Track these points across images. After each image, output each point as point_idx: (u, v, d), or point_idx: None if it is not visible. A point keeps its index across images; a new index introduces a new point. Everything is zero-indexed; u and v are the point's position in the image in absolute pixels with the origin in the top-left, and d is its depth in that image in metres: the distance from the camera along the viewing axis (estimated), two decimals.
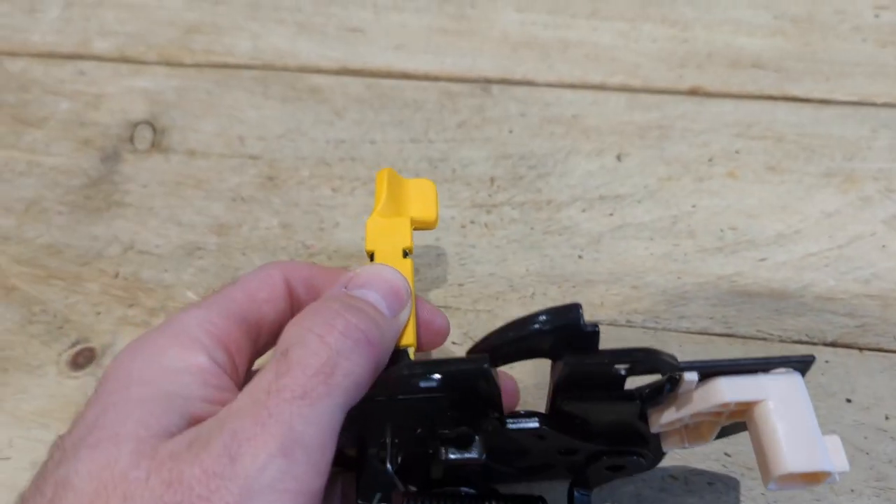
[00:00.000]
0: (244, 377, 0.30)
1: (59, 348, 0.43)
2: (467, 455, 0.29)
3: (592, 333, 0.27)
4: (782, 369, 0.28)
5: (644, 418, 0.30)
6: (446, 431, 0.29)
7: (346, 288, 0.29)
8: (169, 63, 0.57)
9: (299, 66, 0.56)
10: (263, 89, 0.55)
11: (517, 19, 0.59)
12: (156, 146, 0.52)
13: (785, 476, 0.26)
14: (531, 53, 0.56)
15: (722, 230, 0.46)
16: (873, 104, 0.51)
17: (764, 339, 0.42)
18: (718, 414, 0.29)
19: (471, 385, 0.28)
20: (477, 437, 0.29)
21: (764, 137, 0.50)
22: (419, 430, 0.30)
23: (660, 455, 0.33)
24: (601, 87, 0.53)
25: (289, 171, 0.50)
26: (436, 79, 0.55)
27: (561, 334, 0.27)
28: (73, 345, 0.43)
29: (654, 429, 0.30)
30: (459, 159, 0.50)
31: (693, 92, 0.53)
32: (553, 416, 0.30)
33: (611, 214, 0.47)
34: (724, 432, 0.31)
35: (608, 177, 0.48)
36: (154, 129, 0.53)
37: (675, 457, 0.38)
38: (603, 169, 0.49)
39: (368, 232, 0.33)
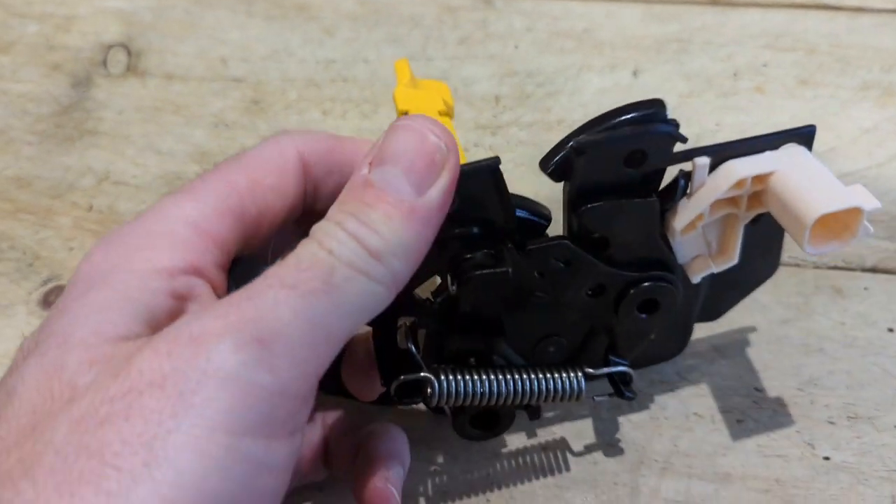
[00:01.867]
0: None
1: (30, 287, 0.39)
2: (498, 270, 0.27)
3: (675, 125, 0.27)
4: (788, 144, 0.28)
5: (665, 235, 0.29)
6: (468, 255, 0.27)
7: (368, 167, 0.24)
8: None
9: None
10: (247, 7, 0.51)
11: None
12: (131, 70, 0.48)
13: (818, 222, 0.25)
14: None
15: None
16: None
17: (797, 265, 0.38)
18: (737, 203, 0.28)
19: (484, 188, 0.26)
20: (503, 250, 0.27)
21: (794, 49, 0.46)
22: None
23: (688, 288, 0.30)
24: None
25: (275, 94, 0.46)
26: None
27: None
28: (45, 283, 0.39)
29: (675, 236, 0.28)
30: (462, 78, 0.46)
31: (715, 1, 0.48)
32: (573, 236, 0.28)
33: None
34: (753, 247, 0.30)
35: (623, 94, 0.44)
36: (129, 52, 0.49)
37: (700, 390, 0.34)
38: (617, 86, 0.45)
39: (398, 99, 0.31)
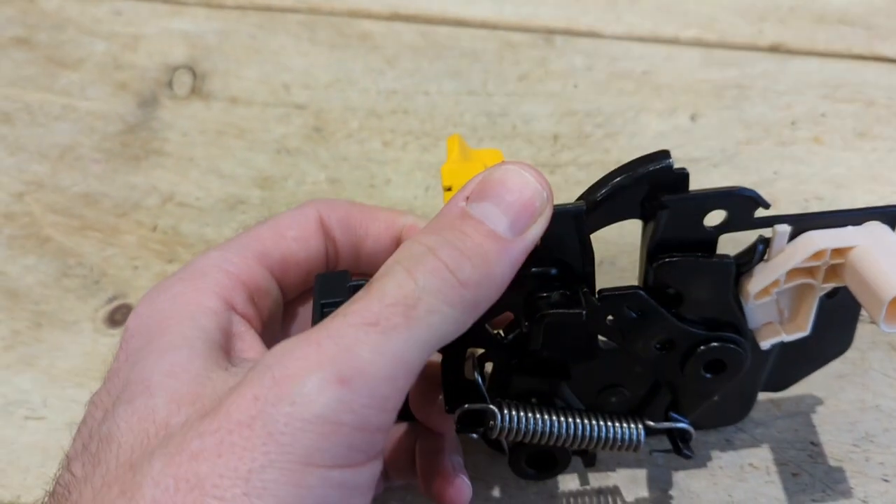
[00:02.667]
0: (271, 313, 0.29)
1: (96, 304, 0.40)
2: (573, 311, 0.27)
3: (682, 177, 0.27)
4: (871, 221, 0.28)
5: (738, 298, 0.29)
6: (544, 294, 0.28)
7: (466, 200, 0.25)
8: (209, 4, 0.54)
9: (348, 9, 0.53)
10: (310, 34, 0.52)
11: None
12: (196, 92, 0.49)
13: (894, 300, 0.25)
14: (597, 2, 0.52)
15: (807, 200, 0.42)
16: None
17: None
18: (814, 273, 0.28)
19: (567, 231, 0.27)
20: (580, 293, 0.28)
21: (852, 100, 0.46)
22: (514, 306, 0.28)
23: (756, 354, 0.31)
24: (673, 41, 0.50)
25: (337, 123, 0.47)
26: (494, 27, 0.51)
27: (652, 181, 0.27)
28: (110, 301, 0.40)
29: (748, 300, 0.29)
30: (521, 114, 0.47)
31: (774, 49, 0.49)
32: (647, 288, 0.29)
33: None
34: (827, 321, 0.30)
35: (682, 138, 0.45)
36: (194, 74, 0.50)
37: (756, 442, 0.35)
38: (676, 129, 0.45)
39: (444, 175, 0.32)
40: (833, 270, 0.28)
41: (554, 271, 0.28)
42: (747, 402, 0.34)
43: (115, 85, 0.50)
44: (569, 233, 0.27)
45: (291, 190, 0.44)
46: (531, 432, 0.29)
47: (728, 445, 0.35)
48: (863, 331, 0.38)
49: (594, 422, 0.30)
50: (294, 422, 0.21)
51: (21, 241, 0.43)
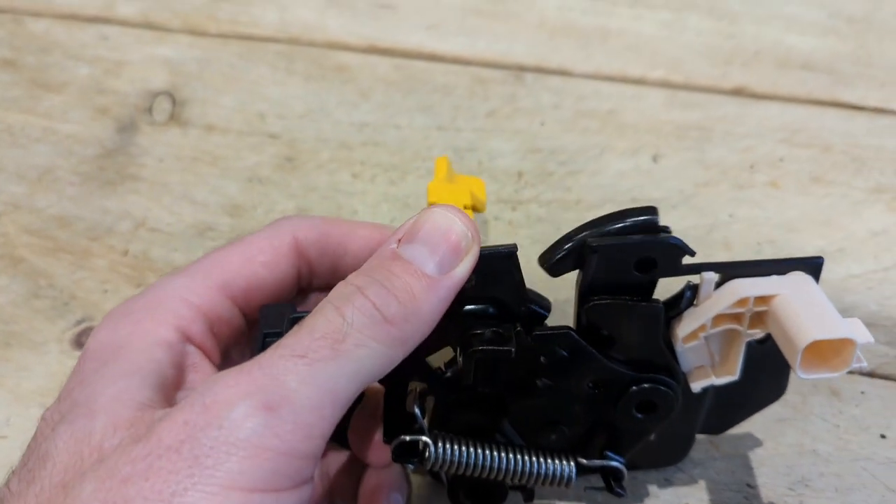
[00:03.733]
0: (231, 342, 0.30)
1: (64, 325, 0.41)
2: (502, 348, 0.28)
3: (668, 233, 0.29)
4: (795, 272, 0.29)
5: (669, 341, 0.30)
6: (478, 331, 0.29)
7: (397, 243, 0.26)
8: (193, 32, 0.55)
9: (327, 41, 0.54)
10: (287, 65, 0.53)
11: (556, 4, 0.56)
12: (174, 118, 0.51)
13: (810, 347, 0.27)
14: (569, 41, 0.53)
15: (759, 243, 0.43)
16: None
17: None
18: (739, 319, 0.29)
19: (501, 271, 0.28)
20: (512, 331, 0.29)
21: (811, 145, 0.47)
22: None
23: (690, 398, 0.32)
24: (640, 82, 0.51)
25: (308, 153, 0.48)
26: (468, 63, 0.52)
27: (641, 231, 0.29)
28: (78, 323, 0.41)
29: (678, 343, 0.30)
30: (487, 150, 0.48)
31: (737, 92, 0.50)
32: (580, 329, 0.30)
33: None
34: (760, 367, 0.31)
35: (642, 178, 0.46)
36: (174, 101, 0.51)
37: (693, 482, 0.36)
38: (637, 169, 0.46)
39: (430, 192, 0.34)
40: (758, 317, 0.29)
41: (491, 309, 0.29)
42: (685, 444, 0.35)
43: (96, 109, 0.51)
44: (503, 272, 0.28)
45: (260, 219, 0.46)
46: (464, 465, 0.30)
47: (666, 484, 0.36)
48: None
49: (527, 457, 0.31)
50: (220, 445, 0.22)
51: None
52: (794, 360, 0.27)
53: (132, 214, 0.46)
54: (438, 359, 0.31)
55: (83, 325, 0.42)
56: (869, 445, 0.36)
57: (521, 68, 0.52)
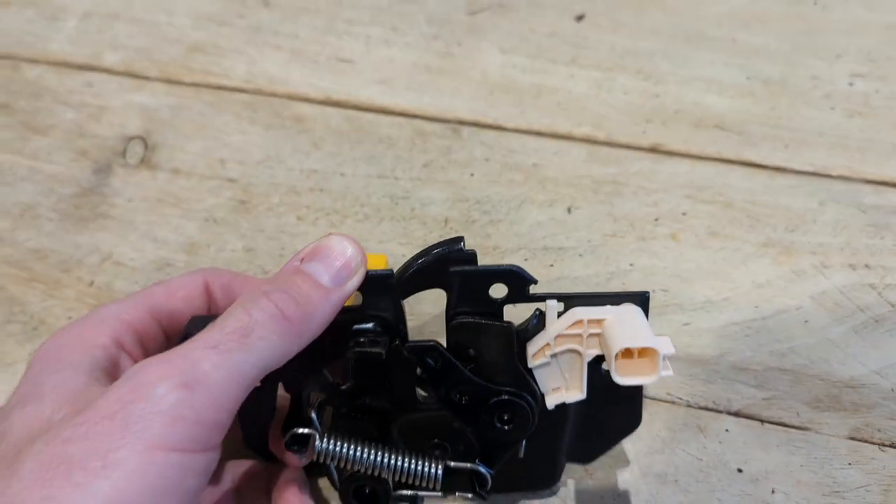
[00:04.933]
0: (157, 353, 0.36)
1: (31, 349, 0.47)
2: (372, 350, 0.35)
3: (472, 255, 0.35)
4: (627, 303, 0.35)
5: (525, 361, 0.36)
6: (361, 340, 0.36)
7: (300, 261, 0.34)
8: (169, 80, 0.61)
9: (288, 93, 0.60)
10: (251, 114, 0.59)
11: (499, 61, 0.61)
12: (145, 162, 0.56)
13: (625, 357, 0.32)
14: (506, 97, 0.58)
15: (654, 291, 0.48)
16: (828, 176, 0.52)
17: (672, 402, 0.44)
18: (579, 339, 0.35)
19: (382, 290, 0.35)
20: (387, 341, 0.35)
21: (713, 201, 0.52)
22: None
23: (552, 419, 0.37)
24: (567, 137, 0.56)
25: (261, 197, 0.54)
26: (413, 116, 0.58)
27: (448, 258, 0.35)
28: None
29: (530, 360, 0.35)
30: (420, 198, 0.53)
31: (653, 149, 0.55)
32: (449, 347, 0.36)
33: (551, 265, 0.49)
34: (612, 397, 0.36)
35: (556, 228, 0.51)
36: (146, 145, 0.57)
37: None
38: (552, 220, 0.51)
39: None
40: (594, 338, 0.35)
41: (374, 326, 0.36)
42: (554, 467, 0.40)
43: (76, 151, 0.57)
44: (383, 293, 0.35)
45: (212, 256, 0.51)
46: (344, 458, 0.36)
47: None
48: (677, 412, 0.43)
49: (399, 457, 0.37)
50: (146, 415, 0.28)
51: None
52: (611, 366, 0.33)
53: (100, 249, 0.52)
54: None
55: None
56: (726, 478, 0.41)
57: (460, 122, 0.57)
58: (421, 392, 0.38)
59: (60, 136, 0.58)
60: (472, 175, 0.54)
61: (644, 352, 0.33)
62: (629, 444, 0.42)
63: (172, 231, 0.52)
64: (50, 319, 0.49)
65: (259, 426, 0.38)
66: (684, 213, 0.51)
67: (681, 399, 0.44)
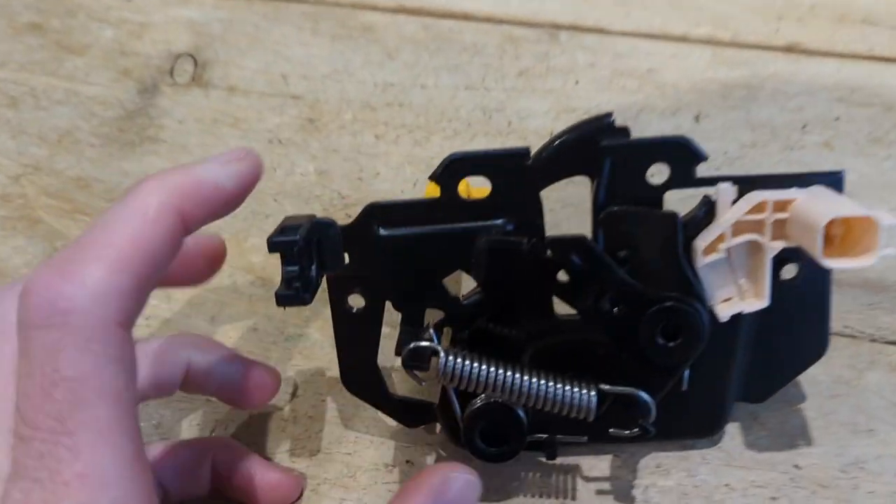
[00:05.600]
0: None
1: None
2: (512, 239, 0.29)
3: (625, 131, 0.29)
4: (816, 186, 0.29)
5: (690, 261, 0.29)
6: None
7: None
8: None
9: (353, 1, 0.52)
10: (313, 25, 0.51)
11: None
12: (196, 80, 0.49)
13: (832, 236, 0.26)
14: None
15: None
16: None
17: (852, 336, 0.36)
18: (760, 227, 0.28)
19: (513, 180, 0.29)
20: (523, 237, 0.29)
21: (870, 105, 0.44)
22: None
23: (722, 342, 0.30)
24: (683, 39, 0.48)
25: (331, 114, 0.46)
26: (499, 21, 0.50)
27: (595, 138, 0.29)
28: None
29: (698, 257, 0.28)
30: (517, 111, 0.45)
31: (790, 49, 0.46)
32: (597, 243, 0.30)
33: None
34: (796, 317, 0.30)
35: None
36: (196, 63, 0.50)
37: (733, 461, 0.33)
38: (679, 130, 0.43)
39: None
40: (780, 227, 0.28)
41: (506, 224, 0.30)
42: (720, 408, 0.32)
43: (118, 71, 0.50)
44: (516, 181, 0.29)
45: (280, 181, 0.44)
46: (474, 380, 0.28)
47: (704, 464, 0.33)
48: (860, 349, 0.35)
49: (542, 378, 0.29)
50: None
51: (13, 223, 0.44)
52: (815, 246, 0.26)
53: None
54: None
55: None
56: None
57: (556, 26, 0.49)
58: (560, 314, 0.30)
59: (99, 56, 0.51)
60: (576, 83, 0.46)
61: (850, 232, 0.27)
62: (806, 388, 0.34)
63: None
64: None
65: (362, 360, 0.31)
66: (837, 119, 0.43)
67: (862, 333, 0.36)
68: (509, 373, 0.29)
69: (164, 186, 0.25)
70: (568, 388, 0.29)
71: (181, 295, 0.41)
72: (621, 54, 0.47)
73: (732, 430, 0.33)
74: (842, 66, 0.45)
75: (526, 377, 0.29)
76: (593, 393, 0.29)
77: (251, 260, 0.42)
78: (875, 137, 0.42)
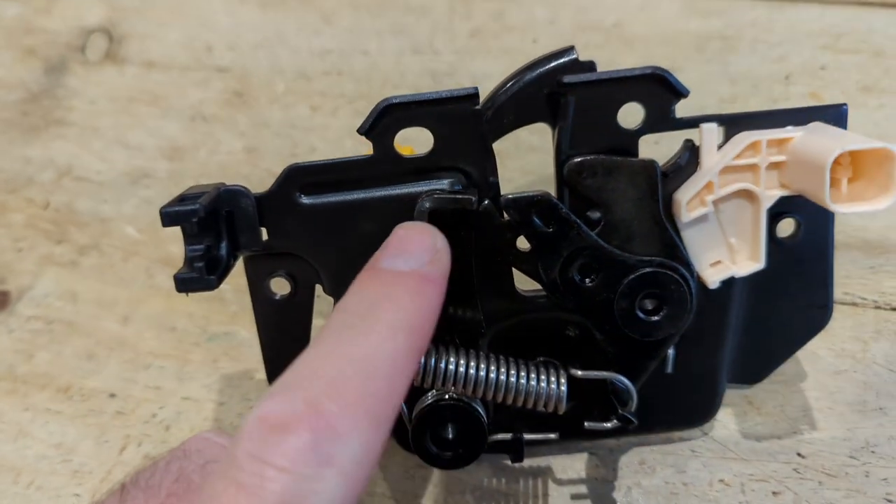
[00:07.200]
0: None
1: None
2: (458, 197, 0.24)
3: (591, 65, 0.25)
4: (814, 123, 0.24)
5: (672, 219, 0.25)
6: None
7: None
8: None
9: None
10: None
11: None
12: (110, 57, 0.44)
13: (839, 173, 0.22)
14: None
15: None
16: None
17: (854, 304, 0.32)
18: (754, 170, 0.24)
19: (463, 133, 0.24)
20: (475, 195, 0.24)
21: (857, 51, 0.39)
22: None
23: (714, 315, 0.26)
24: None
25: (261, 87, 0.41)
26: None
27: (555, 75, 0.24)
28: None
29: (682, 213, 0.24)
30: (470, 74, 0.41)
31: None
32: (562, 200, 0.25)
33: (655, 143, 0.37)
34: (793, 283, 0.26)
35: None
36: (110, 38, 0.45)
37: (727, 452, 0.28)
38: None
39: None
40: (776, 172, 0.24)
41: (454, 185, 0.25)
42: (711, 392, 0.28)
43: (22, 50, 0.45)
44: (463, 131, 0.24)
45: (203, 161, 0.39)
46: (421, 372, 0.24)
47: (695, 457, 0.28)
48: (864, 318, 0.31)
49: (502, 366, 0.24)
50: None
51: None
52: (822, 188, 0.22)
53: (56, 163, 0.40)
54: None
55: None
56: None
57: None
58: (522, 290, 0.26)
59: (1, 36, 0.46)
60: (534, 41, 0.42)
61: (859, 174, 0.23)
62: (806, 365, 0.30)
63: (149, 134, 0.40)
64: None
65: (291, 356, 0.26)
66: (823, 67, 0.39)
67: (865, 299, 0.32)
68: (462, 360, 0.24)
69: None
70: (534, 375, 0.24)
71: (89, 293, 0.35)
72: (584, 8, 0.43)
73: (725, 418, 0.29)
74: (825, 11, 0.41)
75: (483, 365, 0.24)
76: (563, 380, 0.24)
77: (170, 250, 0.36)
78: (865, 86, 0.38)
